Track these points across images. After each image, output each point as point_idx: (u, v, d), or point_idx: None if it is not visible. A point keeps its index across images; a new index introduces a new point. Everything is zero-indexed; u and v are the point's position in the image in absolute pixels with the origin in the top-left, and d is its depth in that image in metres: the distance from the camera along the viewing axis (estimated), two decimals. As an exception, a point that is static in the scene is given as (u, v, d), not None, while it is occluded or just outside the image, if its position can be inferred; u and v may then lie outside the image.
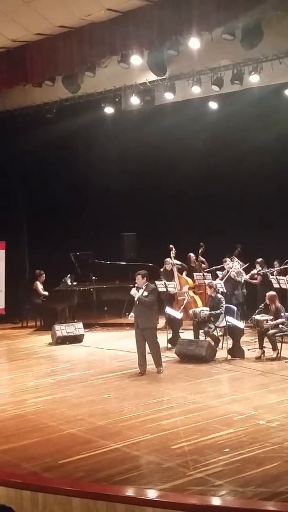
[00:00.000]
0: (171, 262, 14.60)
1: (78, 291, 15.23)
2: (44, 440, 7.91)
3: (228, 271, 14.04)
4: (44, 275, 15.68)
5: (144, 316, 10.72)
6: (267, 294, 11.94)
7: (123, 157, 16.49)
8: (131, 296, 11.03)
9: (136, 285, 10.81)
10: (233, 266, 14.05)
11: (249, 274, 14.25)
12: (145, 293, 10.70)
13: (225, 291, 13.25)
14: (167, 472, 6.75)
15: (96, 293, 15.24)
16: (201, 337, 12.16)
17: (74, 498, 5.91)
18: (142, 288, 10.74)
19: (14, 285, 16.45)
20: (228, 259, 14.30)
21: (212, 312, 12.02)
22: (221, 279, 13.86)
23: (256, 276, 14.27)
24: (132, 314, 10.94)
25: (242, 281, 14.09)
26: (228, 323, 11.78)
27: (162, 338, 11.97)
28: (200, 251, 15.76)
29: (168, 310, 12.91)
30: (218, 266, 14.65)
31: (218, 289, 12.56)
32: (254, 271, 14.25)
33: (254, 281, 14.27)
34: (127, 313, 12.53)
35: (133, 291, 10.77)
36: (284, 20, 10.44)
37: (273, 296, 11.83)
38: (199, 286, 15.08)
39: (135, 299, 10.73)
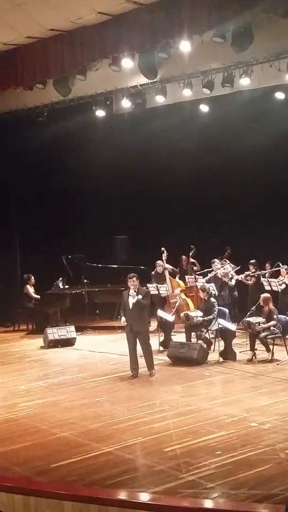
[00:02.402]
0: (162, 264, 14.58)
1: (70, 294, 15.20)
2: (36, 444, 7.90)
3: (215, 272, 14.00)
4: (33, 278, 15.63)
5: (140, 319, 10.75)
6: (262, 296, 11.96)
7: (114, 160, 16.47)
8: (122, 299, 11.01)
9: (132, 287, 10.77)
10: (222, 267, 14.01)
11: (244, 274, 14.23)
12: (140, 296, 10.71)
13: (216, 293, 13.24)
14: (159, 475, 6.76)
15: (88, 296, 15.22)
16: (193, 340, 12.17)
17: (67, 502, 5.91)
18: (136, 291, 10.75)
19: (5, 289, 16.40)
20: (216, 260, 14.28)
21: (205, 318, 12.03)
22: (207, 281, 13.79)
23: (249, 277, 14.26)
24: (124, 318, 10.92)
25: (233, 284, 14.07)
26: (219, 325, 11.80)
27: (154, 341, 11.96)
28: (191, 254, 15.74)
29: (160, 313, 12.90)
30: (210, 269, 14.65)
31: (211, 293, 12.56)
32: (248, 272, 14.25)
33: (249, 282, 14.27)
34: (119, 316, 12.49)
35: (133, 293, 10.72)
36: (275, 23, 10.46)
37: (268, 298, 11.85)
38: (191, 289, 15.05)
39: (133, 302, 10.69)
